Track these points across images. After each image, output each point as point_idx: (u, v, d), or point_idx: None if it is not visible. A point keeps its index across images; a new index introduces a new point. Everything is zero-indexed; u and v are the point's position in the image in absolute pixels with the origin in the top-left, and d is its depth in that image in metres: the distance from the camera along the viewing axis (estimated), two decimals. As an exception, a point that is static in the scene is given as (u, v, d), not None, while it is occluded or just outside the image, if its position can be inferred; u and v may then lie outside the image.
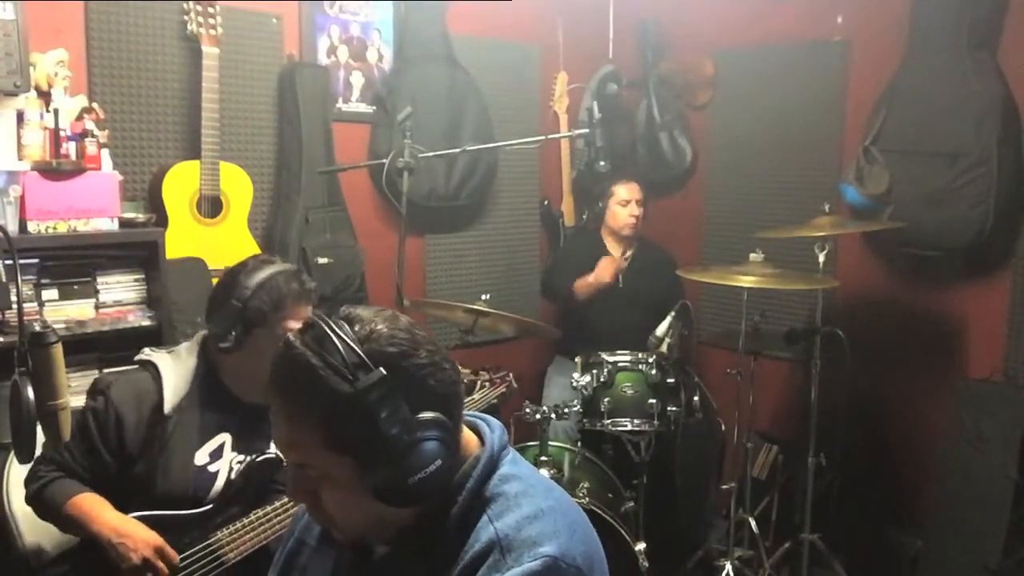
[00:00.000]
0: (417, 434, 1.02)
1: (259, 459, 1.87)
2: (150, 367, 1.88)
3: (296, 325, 1.81)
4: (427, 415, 1.03)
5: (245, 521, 1.81)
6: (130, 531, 1.71)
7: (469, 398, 2.64)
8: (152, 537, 1.72)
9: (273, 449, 1.93)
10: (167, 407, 1.82)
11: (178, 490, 1.81)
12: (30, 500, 1.83)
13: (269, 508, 1.83)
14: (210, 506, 1.83)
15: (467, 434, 1.15)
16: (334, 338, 1.02)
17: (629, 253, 3.58)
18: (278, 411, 1.06)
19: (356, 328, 1.05)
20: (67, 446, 1.79)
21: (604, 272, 3.46)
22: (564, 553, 1.02)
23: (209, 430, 1.88)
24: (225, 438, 1.89)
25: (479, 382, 2.73)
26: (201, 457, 1.85)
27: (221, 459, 1.87)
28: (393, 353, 1.03)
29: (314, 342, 1.03)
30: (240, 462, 1.88)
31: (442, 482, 1.06)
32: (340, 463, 1.02)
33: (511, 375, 2.79)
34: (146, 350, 1.94)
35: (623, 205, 3.55)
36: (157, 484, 1.80)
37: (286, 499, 1.83)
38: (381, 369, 1.00)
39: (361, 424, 1.00)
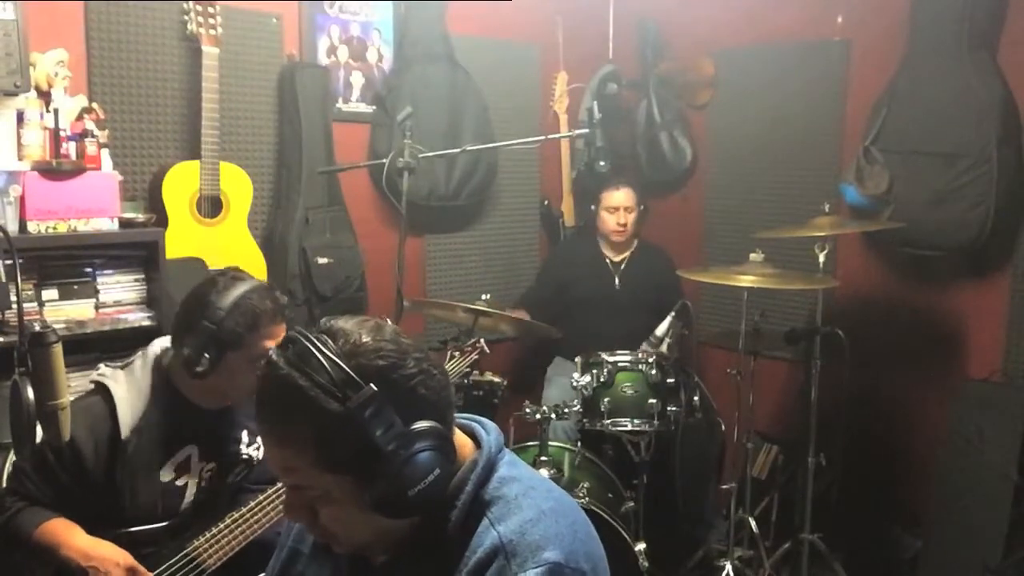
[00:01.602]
0: (413, 446, 1.00)
1: (228, 463, 1.84)
2: (102, 391, 1.81)
3: (273, 344, 1.79)
4: (421, 425, 1.02)
5: (221, 526, 1.78)
6: (99, 553, 1.68)
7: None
8: (122, 557, 1.69)
9: (243, 450, 1.90)
10: (124, 431, 1.76)
11: (146, 510, 1.78)
12: None
13: (244, 509, 1.80)
14: (185, 516, 1.80)
15: (462, 438, 1.14)
16: (318, 355, 0.99)
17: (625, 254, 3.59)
18: (268, 435, 1.04)
19: (340, 342, 1.02)
20: (30, 478, 1.76)
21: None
22: (568, 557, 1.02)
23: (173, 445, 1.84)
24: (191, 450, 1.85)
25: (448, 353, 2.68)
26: (167, 473, 1.82)
27: (189, 472, 1.84)
28: (382, 366, 1.01)
29: (298, 360, 1.00)
30: (210, 470, 1.86)
31: (442, 489, 1.05)
32: (337, 481, 1.01)
33: (482, 341, 2.74)
34: (101, 367, 1.88)
35: (611, 212, 3.55)
36: (126, 507, 1.77)
37: (261, 498, 1.81)
38: (372, 385, 0.98)
39: (355, 442, 0.98)
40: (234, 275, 1.83)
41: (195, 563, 1.75)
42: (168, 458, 1.83)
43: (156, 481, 1.80)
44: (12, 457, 1.97)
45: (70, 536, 1.72)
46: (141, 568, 1.70)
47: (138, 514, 1.77)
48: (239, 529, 1.79)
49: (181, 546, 1.76)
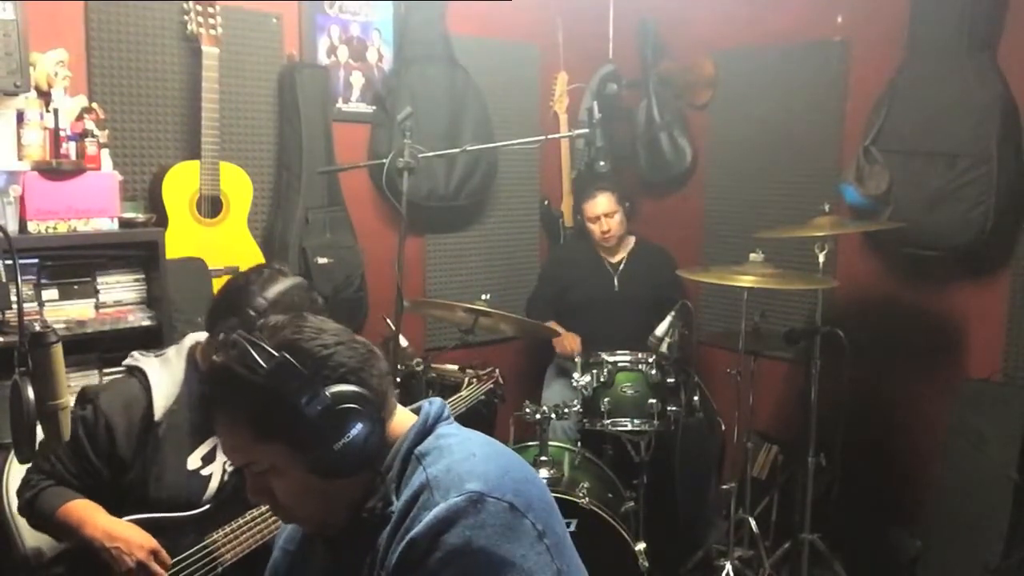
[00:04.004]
0: (331, 404, 1.08)
1: None
2: (138, 373, 1.85)
3: None
4: (339, 387, 1.10)
5: (241, 521, 1.79)
6: (123, 535, 1.69)
7: (457, 396, 2.65)
8: (146, 540, 1.70)
9: None
10: (157, 413, 1.80)
11: (171, 496, 1.79)
12: (23, 510, 1.81)
13: (264, 507, 1.80)
14: (206, 507, 1.81)
15: (409, 415, 1.22)
16: (244, 342, 1.10)
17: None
18: (216, 420, 1.14)
19: (266, 332, 1.14)
20: (58, 456, 1.78)
21: (564, 347, 3.42)
22: (492, 488, 1.06)
23: (201, 434, 1.85)
24: (217, 440, 1.85)
25: (466, 379, 2.75)
26: (194, 461, 1.83)
27: (214, 462, 1.86)
28: (296, 338, 1.12)
29: (233, 351, 1.11)
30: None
31: (371, 446, 1.12)
32: (275, 451, 1.10)
33: (498, 371, 2.82)
34: (135, 354, 1.91)
35: (593, 222, 3.56)
36: (150, 491, 1.78)
37: None
38: (285, 354, 1.09)
39: (278, 408, 1.08)
40: (278, 269, 1.86)
41: (212, 556, 1.76)
42: (196, 446, 1.85)
43: (183, 468, 1.82)
44: (12, 457, 1.98)
45: (94, 516, 1.73)
46: (163, 552, 1.71)
47: (162, 499, 1.79)
48: (257, 527, 1.80)
49: (200, 537, 1.77)
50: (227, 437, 1.14)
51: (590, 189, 3.64)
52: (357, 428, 1.09)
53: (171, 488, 1.80)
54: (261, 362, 1.08)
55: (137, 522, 1.74)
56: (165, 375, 1.85)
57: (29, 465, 1.84)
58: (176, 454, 1.82)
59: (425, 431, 1.18)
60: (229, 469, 1.86)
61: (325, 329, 1.15)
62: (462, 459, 1.11)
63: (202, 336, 1.90)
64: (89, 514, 1.73)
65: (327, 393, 1.09)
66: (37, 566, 1.92)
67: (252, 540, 1.79)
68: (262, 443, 1.10)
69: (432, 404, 1.22)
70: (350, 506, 1.16)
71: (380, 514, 1.12)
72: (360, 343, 1.17)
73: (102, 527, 1.71)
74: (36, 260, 2.40)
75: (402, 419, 1.20)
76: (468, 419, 2.66)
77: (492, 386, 2.77)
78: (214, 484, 1.84)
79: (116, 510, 1.76)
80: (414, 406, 1.25)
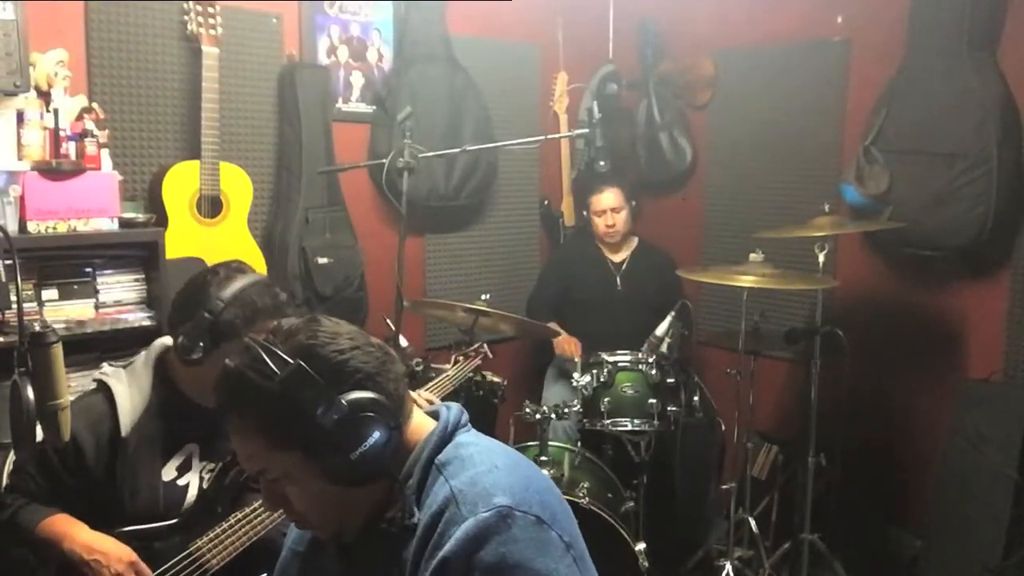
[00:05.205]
0: (348, 412, 1.06)
1: (230, 462, 1.83)
2: (104, 389, 1.81)
3: None
4: (355, 394, 1.07)
5: (225, 525, 1.77)
6: (102, 548, 1.68)
7: (444, 375, 2.63)
8: (125, 552, 1.69)
9: None
10: (124, 430, 1.76)
11: (148, 510, 1.77)
12: (1, 530, 1.78)
13: (248, 509, 1.79)
14: (188, 516, 1.79)
15: (426, 420, 1.20)
16: (258, 348, 1.08)
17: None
18: (230, 428, 1.11)
19: (280, 336, 1.11)
20: (32, 476, 1.77)
21: (564, 350, 3.42)
22: (519, 502, 1.05)
23: (174, 444, 1.83)
24: (192, 449, 1.85)
25: (452, 357, 2.73)
26: (168, 472, 1.81)
27: (191, 471, 1.84)
28: (311, 344, 1.09)
29: (247, 356, 1.09)
30: (211, 470, 1.85)
31: (389, 453, 1.09)
32: (290, 458, 1.08)
33: (485, 345, 2.79)
34: (105, 367, 1.88)
35: (599, 215, 3.56)
36: (126, 506, 1.76)
37: None
38: (299, 360, 1.06)
39: (293, 414, 1.05)
40: (237, 267, 1.82)
41: (198, 563, 1.74)
42: (169, 457, 1.83)
43: (158, 480, 1.80)
44: (12, 457, 1.97)
45: (73, 530, 1.72)
46: (142, 564, 1.70)
47: (139, 513, 1.77)
48: (242, 530, 1.78)
49: (184, 546, 1.76)
50: (240, 444, 1.11)
51: (598, 183, 3.64)
52: (374, 436, 1.07)
53: (148, 502, 1.77)
54: (275, 369, 1.06)
55: (120, 535, 1.72)
56: (131, 389, 1.81)
57: (5, 484, 1.83)
58: (149, 467, 1.79)
59: (444, 439, 1.15)
60: (207, 476, 1.84)
61: (340, 332, 1.12)
62: (485, 471, 1.09)
63: (171, 340, 1.85)
64: (68, 529, 1.72)
65: (343, 401, 1.06)
66: (36, 566, 1.92)
67: (239, 543, 1.77)
68: (276, 451, 1.08)
69: (450, 410, 1.20)
70: (366, 513, 1.14)
71: (401, 525, 1.10)
72: (375, 346, 1.14)
73: (81, 541, 1.69)
74: (36, 260, 2.39)
75: (420, 423, 1.18)
76: (468, 410, 2.65)
77: (480, 362, 2.74)
78: (192, 493, 1.82)
79: (95, 526, 1.74)
80: (431, 410, 1.23)
